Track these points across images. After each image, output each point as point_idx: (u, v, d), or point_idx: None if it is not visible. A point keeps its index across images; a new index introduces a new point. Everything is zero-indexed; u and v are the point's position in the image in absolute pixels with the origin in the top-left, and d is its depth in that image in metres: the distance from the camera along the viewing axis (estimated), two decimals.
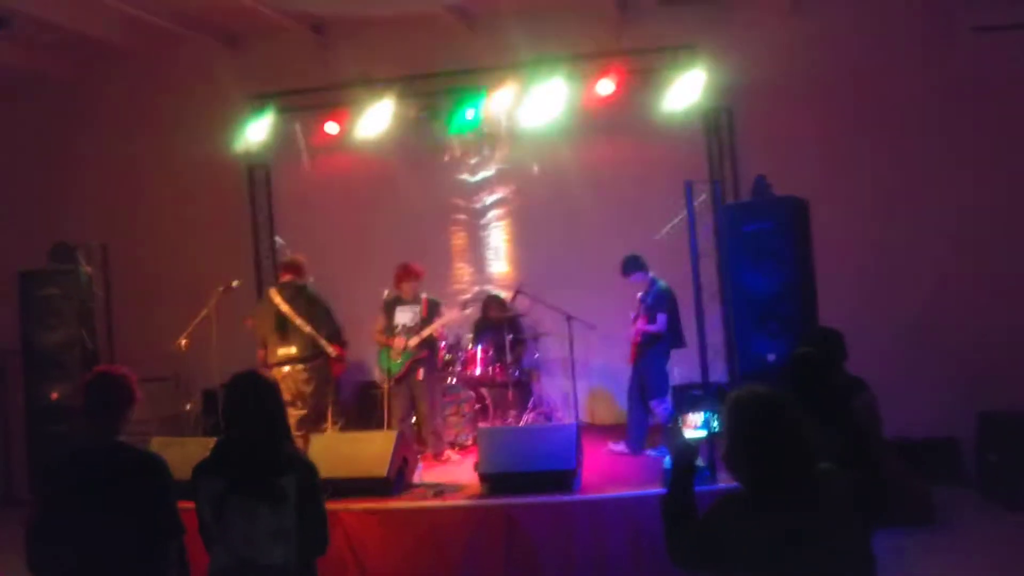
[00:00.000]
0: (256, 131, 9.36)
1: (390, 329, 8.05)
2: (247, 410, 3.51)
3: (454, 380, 8.82)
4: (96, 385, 3.73)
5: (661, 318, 7.82)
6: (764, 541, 2.76)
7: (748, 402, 2.93)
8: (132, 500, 3.52)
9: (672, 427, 2.99)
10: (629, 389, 8.14)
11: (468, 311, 9.03)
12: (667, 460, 6.11)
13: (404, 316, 8.08)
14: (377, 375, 8.56)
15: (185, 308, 8.09)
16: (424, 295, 8.28)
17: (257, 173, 10.27)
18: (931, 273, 8.70)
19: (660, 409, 7.90)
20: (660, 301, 7.87)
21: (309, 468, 3.54)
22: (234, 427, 3.55)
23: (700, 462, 5.12)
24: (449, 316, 8.40)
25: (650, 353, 7.95)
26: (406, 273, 8.21)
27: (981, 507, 7.60)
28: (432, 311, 8.22)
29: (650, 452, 7.85)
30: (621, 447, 7.95)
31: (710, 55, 8.67)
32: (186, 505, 3.54)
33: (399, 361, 8.04)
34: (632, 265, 8.06)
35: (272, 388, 3.59)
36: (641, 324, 7.98)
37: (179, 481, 3.61)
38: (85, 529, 3.50)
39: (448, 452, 8.19)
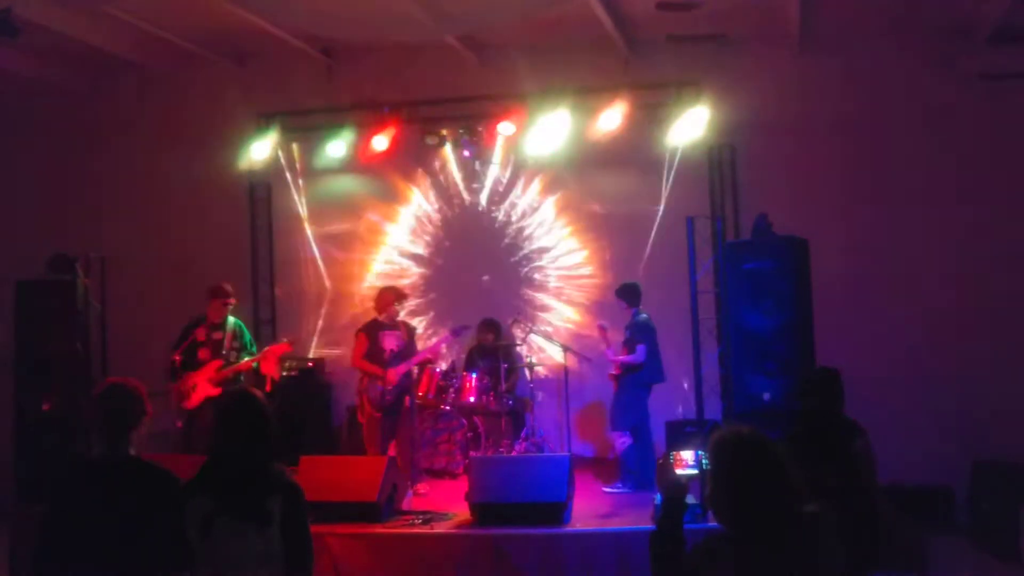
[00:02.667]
0: (260, 149, 9.37)
1: (376, 355, 7.96)
2: (236, 429, 3.47)
3: (447, 407, 8.76)
4: (108, 397, 3.67)
5: (640, 349, 7.81)
6: None
7: (729, 443, 2.90)
8: (149, 517, 3.47)
9: (663, 464, 2.96)
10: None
11: (460, 336, 9.00)
12: (658, 497, 6.07)
13: (390, 342, 8.01)
14: (357, 401, 8.35)
15: (181, 324, 8.06)
16: (400, 319, 8.22)
17: (258, 191, 10.26)
18: (929, 316, 8.68)
19: (619, 442, 7.86)
20: (639, 332, 7.87)
21: (295, 489, 3.49)
22: (223, 446, 3.51)
23: (692, 499, 5.10)
24: (439, 341, 8.35)
25: (624, 384, 7.94)
26: (396, 297, 8.16)
27: (973, 556, 7.52)
28: (411, 335, 8.20)
29: (606, 489, 7.83)
30: (616, 487, 7.88)
31: (715, 92, 8.71)
32: None
33: (389, 389, 7.95)
34: (623, 293, 8.07)
35: (261, 407, 3.55)
36: (619, 354, 7.97)
37: None
38: (100, 546, 3.44)
39: (420, 486, 7.97)
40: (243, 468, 3.42)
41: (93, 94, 10.58)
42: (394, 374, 7.91)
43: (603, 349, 8.26)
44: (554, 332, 9.47)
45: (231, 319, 7.94)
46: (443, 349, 8.65)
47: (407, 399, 8.11)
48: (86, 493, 3.53)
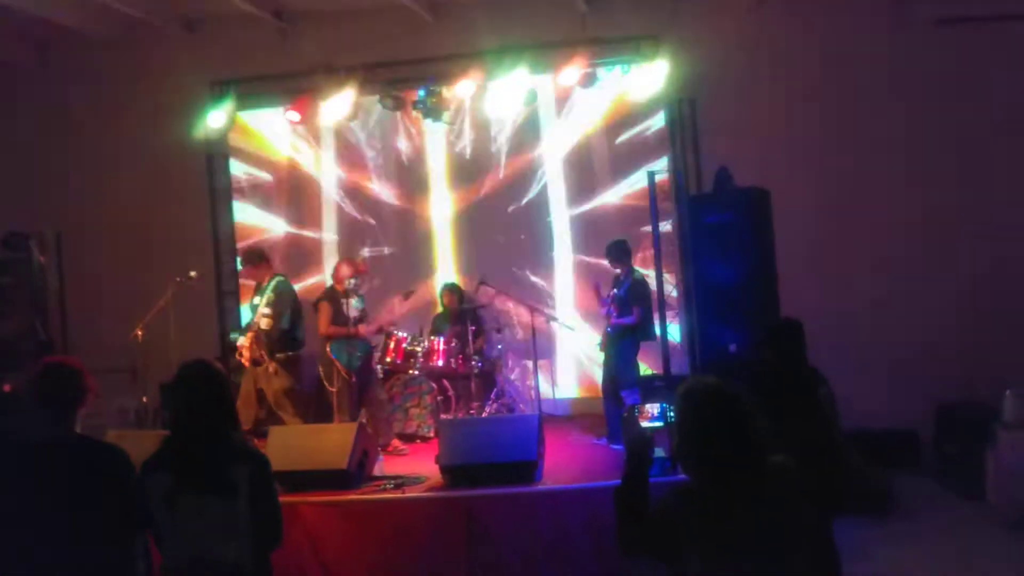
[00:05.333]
0: (216, 118, 9.22)
1: (342, 320, 7.94)
2: (195, 401, 3.43)
3: (416, 371, 8.74)
4: (51, 376, 3.64)
5: (636, 311, 7.79)
6: (713, 534, 2.73)
7: (696, 393, 2.90)
8: (98, 493, 3.44)
9: (627, 417, 2.95)
10: (602, 382, 8.14)
11: (407, 299, 8.98)
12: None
13: (355, 309, 8.01)
14: (322, 371, 8.26)
15: (141, 299, 7.96)
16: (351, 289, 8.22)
17: (216, 160, 10.09)
18: (891, 264, 8.76)
19: (630, 400, 7.87)
20: (634, 294, 7.85)
21: (260, 460, 3.46)
22: (182, 419, 3.46)
23: (660, 452, 5.12)
24: (393, 306, 8.35)
25: (620, 345, 7.94)
26: (353, 270, 8.14)
27: (939, 496, 7.67)
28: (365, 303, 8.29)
29: (594, 440, 7.87)
30: (603, 441, 7.93)
31: (674, 46, 8.66)
32: None
33: (359, 354, 7.94)
34: (614, 251, 8.01)
35: (221, 378, 3.51)
36: (614, 315, 7.95)
37: None
38: (49, 525, 3.40)
39: (396, 443, 8.05)
40: (203, 440, 3.38)
41: (42, 67, 10.35)
42: (365, 330, 7.98)
43: (601, 310, 8.19)
44: (520, 292, 9.45)
45: (272, 284, 8.02)
46: (396, 312, 8.65)
47: (372, 360, 8.20)
48: (34, 473, 3.48)
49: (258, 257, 8.19)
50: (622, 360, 7.93)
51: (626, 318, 7.84)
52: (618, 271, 8.07)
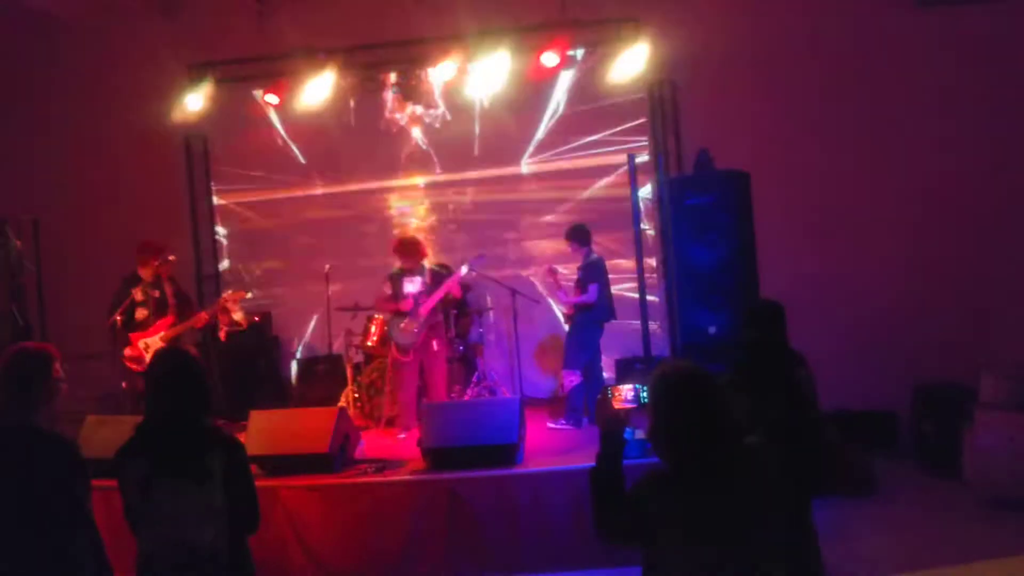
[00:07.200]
0: (194, 101, 9.14)
1: (397, 299, 7.94)
2: (170, 387, 3.41)
3: None
4: (11, 363, 3.57)
5: (592, 288, 7.86)
6: (688, 518, 2.73)
7: (669, 378, 2.88)
8: (37, 486, 3.39)
9: (601, 399, 2.95)
10: None
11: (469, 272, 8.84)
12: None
13: (412, 286, 8.00)
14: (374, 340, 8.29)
15: (120, 283, 7.89)
16: (427, 265, 8.18)
17: (195, 144, 10.02)
18: (869, 246, 8.80)
19: (567, 380, 7.92)
20: (590, 272, 7.92)
21: (235, 444, 3.45)
22: (157, 405, 3.45)
23: (640, 434, 5.13)
24: (453, 280, 8.27)
25: (577, 323, 8.01)
26: (404, 247, 8.11)
27: (917, 476, 7.73)
28: (436, 280, 8.10)
29: (551, 425, 7.91)
30: (560, 424, 7.96)
31: (655, 28, 8.65)
32: (111, 484, 3.43)
33: (414, 331, 7.92)
34: (573, 234, 8.09)
35: (195, 364, 3.50)
36: (571, 296, 8.03)
37: (108, 460, 3.47)
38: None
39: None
40: (178, 426, 3.37)
41: (17, 50, 10.20)
42: (425, 308, 7.89)
43: (556, 292, 8.30)
44: (501, 276, 9.46)
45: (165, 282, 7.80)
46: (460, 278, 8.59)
47: (434, 342, 8.03)
48: None
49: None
50: (573, 338, 8.03)
51: (583, 296, 7.92)
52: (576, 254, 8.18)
